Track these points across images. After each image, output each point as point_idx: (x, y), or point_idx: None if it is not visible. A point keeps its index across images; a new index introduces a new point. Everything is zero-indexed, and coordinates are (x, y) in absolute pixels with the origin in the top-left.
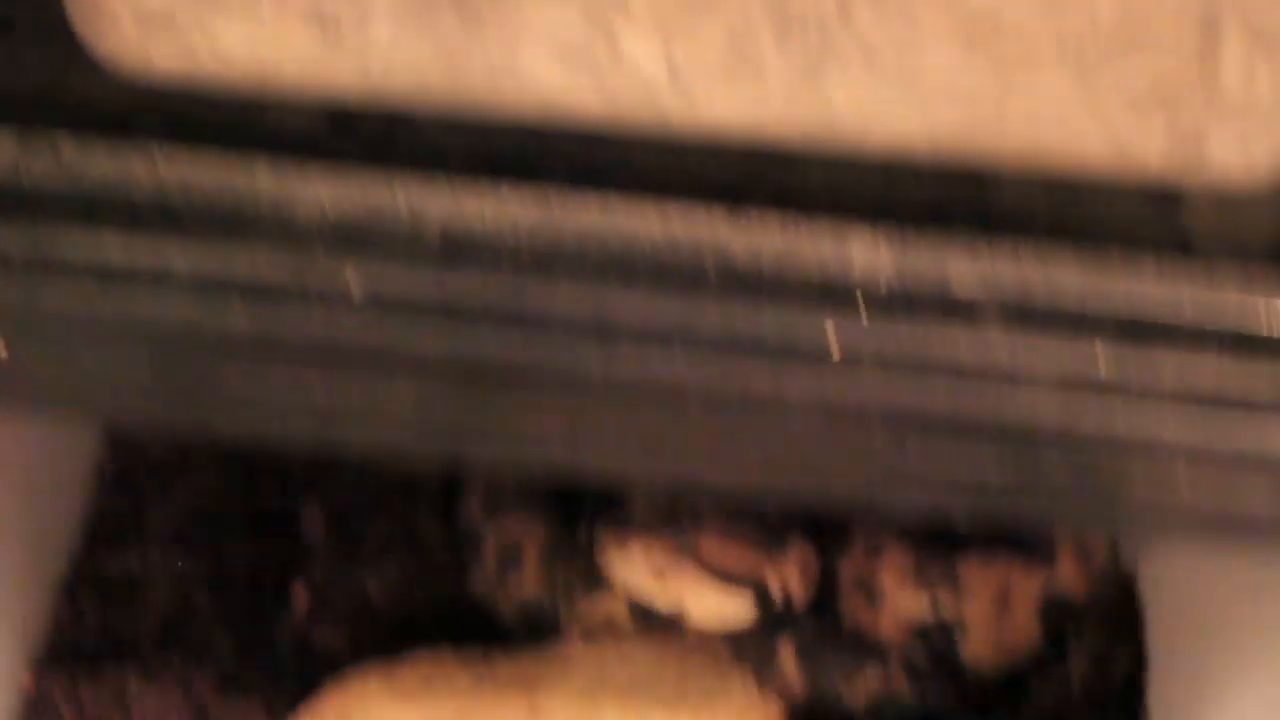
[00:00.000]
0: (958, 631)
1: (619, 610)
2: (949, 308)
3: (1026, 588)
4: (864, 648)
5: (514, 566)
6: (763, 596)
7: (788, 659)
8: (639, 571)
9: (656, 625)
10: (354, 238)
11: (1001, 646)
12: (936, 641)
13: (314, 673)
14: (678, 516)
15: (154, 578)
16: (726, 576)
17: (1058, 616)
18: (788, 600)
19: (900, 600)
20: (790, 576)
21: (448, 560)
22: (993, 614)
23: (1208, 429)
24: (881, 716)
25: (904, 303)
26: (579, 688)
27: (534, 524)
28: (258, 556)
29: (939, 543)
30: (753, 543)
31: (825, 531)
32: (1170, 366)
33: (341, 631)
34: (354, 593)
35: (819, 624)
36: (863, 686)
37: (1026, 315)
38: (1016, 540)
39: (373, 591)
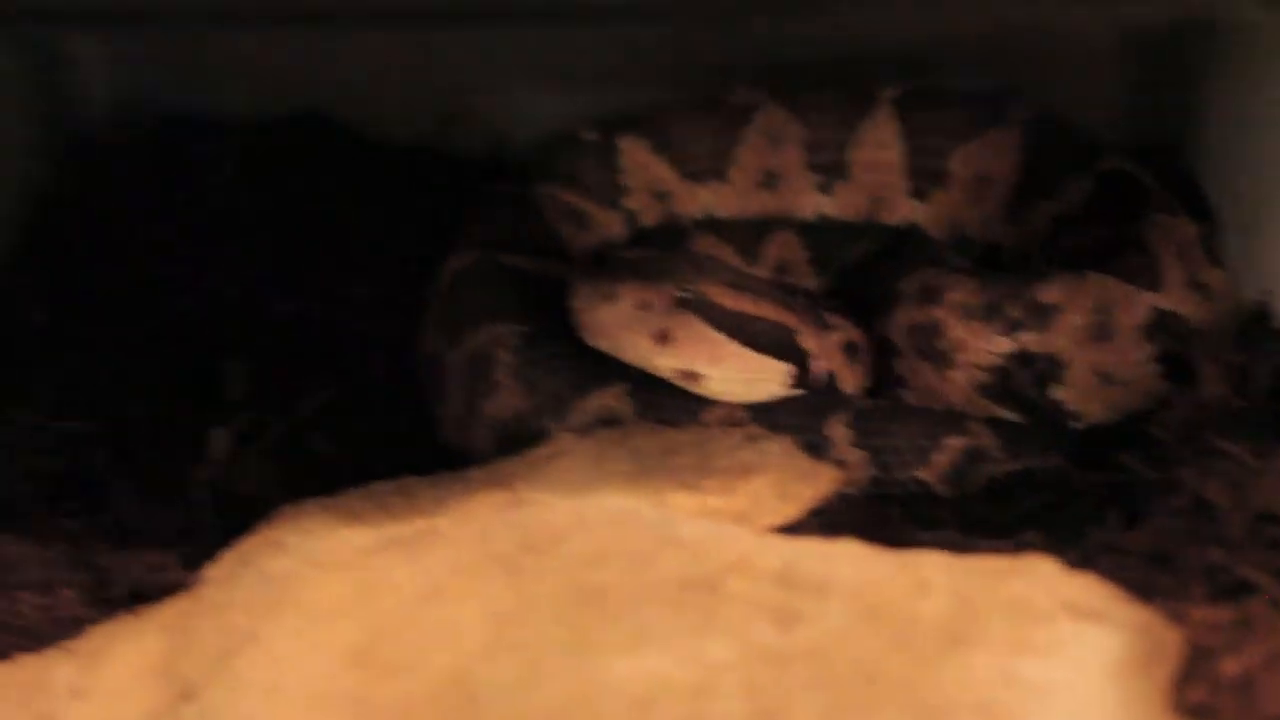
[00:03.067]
0: (1050, 369)
1: (617, 402)
2: None
3: (1129, 309)
4: (934, 419)
5: (485, 384)
6: (800, 368)
7: (842, 442)
8: (635, 332)
9: (670, 413)
10: None
11: (1110, 382)
12: (1024, 385)
13: (238, 519)
14: (676, 265)
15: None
16: (747, 338)
17: (1173, 340)
18: (831, 379)
19: (973, 345)
20: (833, 356)
21: (407, 413)
22: (1091, 343)
23: None
24: (968, 483)
25: None
26: (569, 478)
27: (503, 326)
28: (168, 414)
29: (1009, 276)
30: (776, 300)
31: (870, 305)
32: None
33: (275, 479)
34: (293, 445)
35: (877, 404)
36: (941, 459)
37: None
38: (1107, 264)
39: (317, 444)
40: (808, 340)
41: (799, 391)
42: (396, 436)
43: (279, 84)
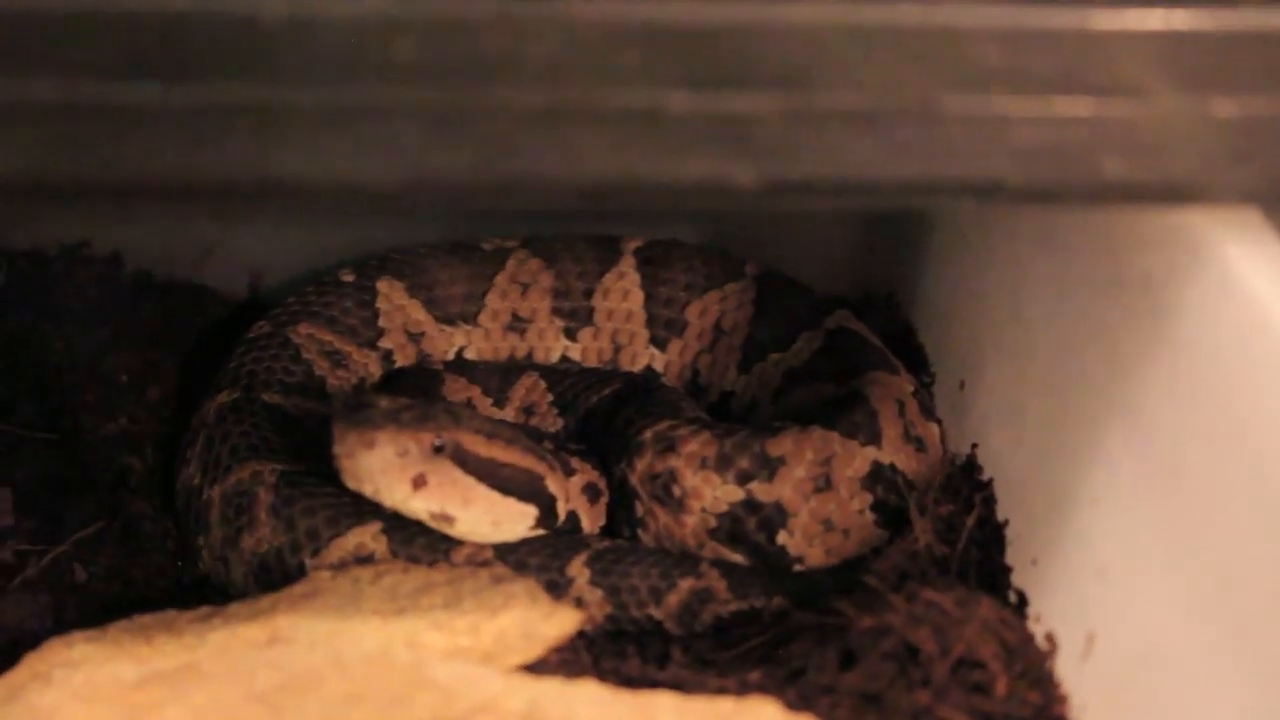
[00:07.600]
0: (776, 516)
1: (372, 540)
2: None
3: (850, 462)
4: (669, 561)
5: (244, 520)
6: (547, 510)
7: (582, 581)
8: (393, 477)
9: (421, 552)
10: None
11: (830, 529)
12: (752, 530)
13: (5, 651)
14: (433, 414)
15: None
16: (498, 483)
17: (889, 491)
18: (574, 519)
19: (705, 492)
20: (575, 498)
21: (166, 544)
22: (814, 492)
23: None
24: (698, 622)
25: None
26: (326, 612)
27: (263, 464)
28: None
29: (740, 429)
30: (524, 447)
31: (610, 449)
32: None
33: (40, 610)
34: (57, 575)
35: (615, 545)
36: (673, 599)
37: None
38: (831, 420)
39: (80, 575)
40: (554, 484)
41: (542, 532)
42: (158, 567)
43: (35, 211)
